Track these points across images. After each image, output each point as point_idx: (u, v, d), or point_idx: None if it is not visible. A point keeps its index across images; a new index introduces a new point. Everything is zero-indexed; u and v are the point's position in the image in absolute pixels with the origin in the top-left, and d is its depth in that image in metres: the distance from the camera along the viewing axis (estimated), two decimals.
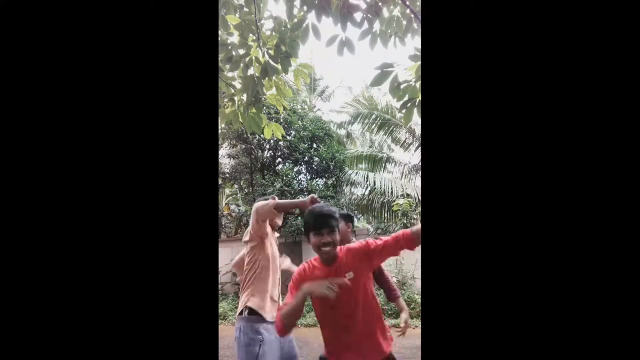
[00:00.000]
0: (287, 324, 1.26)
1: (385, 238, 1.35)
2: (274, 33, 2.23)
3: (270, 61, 2.17)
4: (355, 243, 1.42)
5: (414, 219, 6.69)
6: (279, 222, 1.96)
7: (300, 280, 1.36)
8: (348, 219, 2.11)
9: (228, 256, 7.01)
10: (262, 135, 2.62)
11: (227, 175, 8.55)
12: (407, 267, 5.53)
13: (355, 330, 1.32)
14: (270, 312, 1.74)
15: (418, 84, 1.99)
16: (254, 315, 1.71)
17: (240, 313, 1.74)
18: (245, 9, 2.27)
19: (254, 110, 2.40)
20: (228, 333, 4.90)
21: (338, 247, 1.37)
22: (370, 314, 1.35)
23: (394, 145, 9.26)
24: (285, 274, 1.91)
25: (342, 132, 10.72)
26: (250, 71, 2.29)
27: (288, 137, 7.47)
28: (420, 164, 7.63)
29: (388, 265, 5.20)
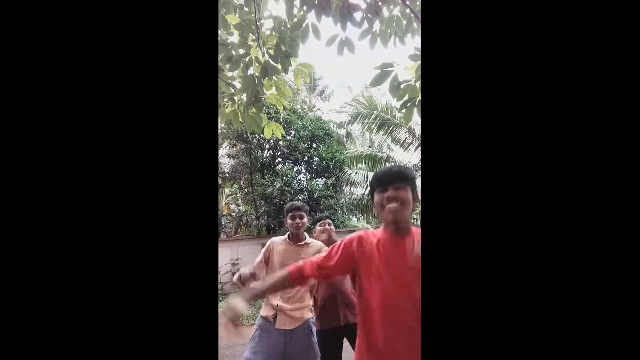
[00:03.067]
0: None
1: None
2: (274, 33, 2.23)
3: (271, 61, 2.17)
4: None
5: (414, 218, 6.69)
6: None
7: (356, 248, 1.10)
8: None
9: (228, 256, 7.00)
10: (262, 135, 2.62)
11: (227, 175, 8.55)
12: None
13: (415, 331, 1.00)
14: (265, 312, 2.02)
15: (418, 84, 2.00)
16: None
17: None
18: (245, 9, 2.27)
19: (254, 110, 2.40)
20: None
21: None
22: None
23: (394, 145, 9.26)
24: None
25: (342, 132, 10.72)
26: (251, 71, 2.29)
27: (288, 137, 7.47)
28: (420, 164, 7.63)
29: None
